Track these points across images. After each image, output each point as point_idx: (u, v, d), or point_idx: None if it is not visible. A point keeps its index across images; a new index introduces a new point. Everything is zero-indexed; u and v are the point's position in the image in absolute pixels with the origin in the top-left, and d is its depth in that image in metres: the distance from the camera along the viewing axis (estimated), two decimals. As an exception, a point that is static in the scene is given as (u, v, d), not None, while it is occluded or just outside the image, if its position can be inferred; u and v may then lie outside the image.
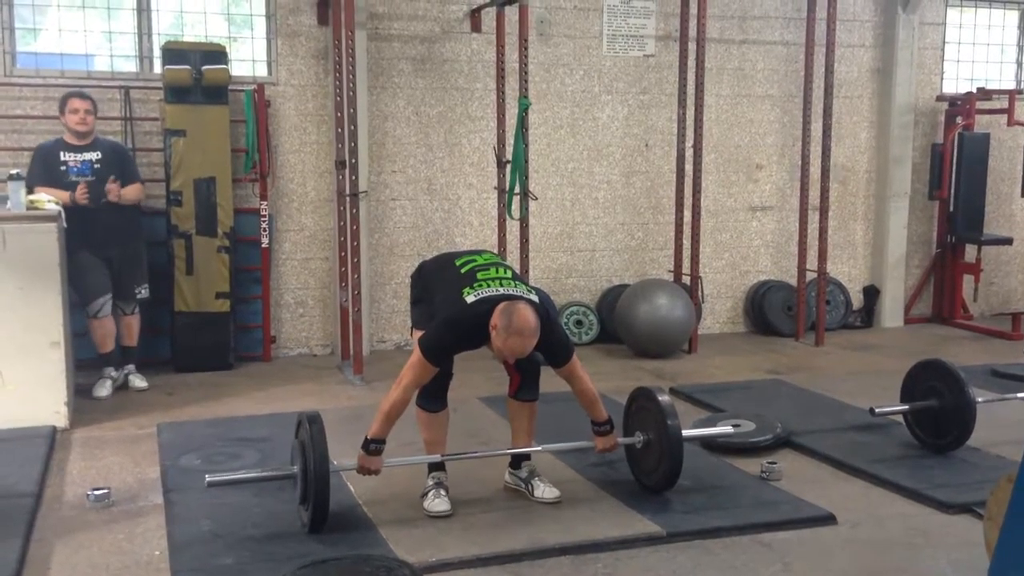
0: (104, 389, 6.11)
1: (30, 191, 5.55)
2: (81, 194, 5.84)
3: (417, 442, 4.35)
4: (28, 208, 5.35)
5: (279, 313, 7.26)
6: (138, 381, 6.25)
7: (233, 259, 6.77)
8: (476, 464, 4.60)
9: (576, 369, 4.13)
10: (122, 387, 6.22)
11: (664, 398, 4.30)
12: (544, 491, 4.24)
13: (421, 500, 4.14)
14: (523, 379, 4.25)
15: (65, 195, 5.81)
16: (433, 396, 4.17)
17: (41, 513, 4.15)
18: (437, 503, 4.09)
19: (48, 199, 5.58)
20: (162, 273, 6.61)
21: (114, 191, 5.93)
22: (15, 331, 5.19)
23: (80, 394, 5.99)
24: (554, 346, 4.05)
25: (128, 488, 4.43)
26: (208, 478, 3.98)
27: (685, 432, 4.30)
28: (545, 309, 4.03)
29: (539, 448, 4.36)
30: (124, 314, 6.21)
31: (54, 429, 5.20)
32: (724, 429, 4.83)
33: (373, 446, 4.00)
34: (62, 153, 5.99)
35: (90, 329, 6.11)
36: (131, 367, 6.30)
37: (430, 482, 4.18)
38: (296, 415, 4.15)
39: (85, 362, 6.24)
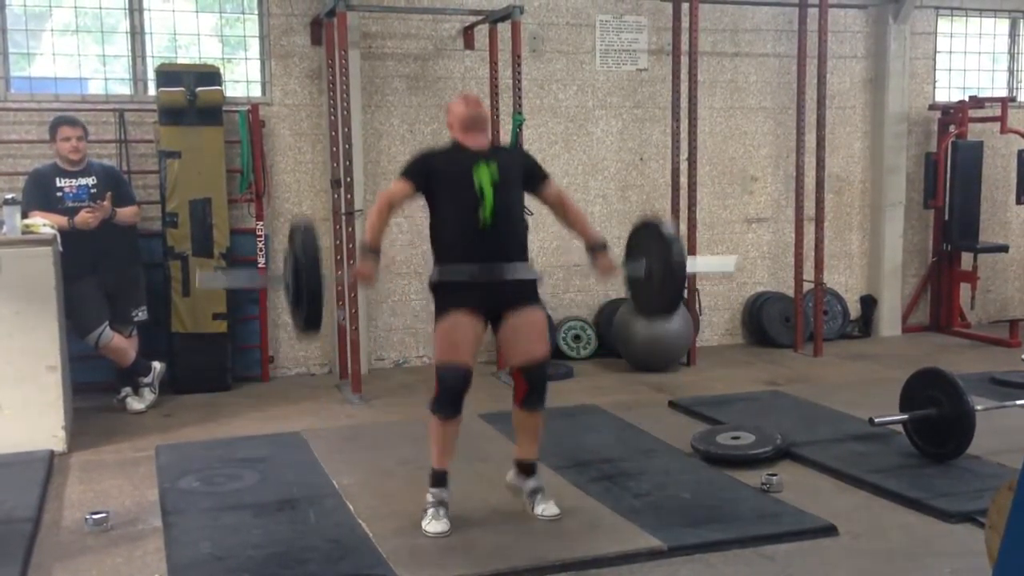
0: (139, 402, 6.20)
1: (25, 216, 5.55)
2: (90, 215, 5.84)
3: (417, 460, 4.31)
4: (23, 232, 5.35)
5: (277, 333, 7.25)
6: (135, 403, 6.23)
7: (230, 279, 6.77)
8: (477, 482, 4.60)
9: (561, 190, 4.35)
10: (119, 409, 6.22)
11: (667, 228, 4.28)
12: (544, 508, 4.21)
13: (422, 519, 4.11)
14: (531, 387, 4.13)
15: (62, 220, 5.81)
16: (449, 402, 4.03)
17: (39, 538, 4.12)
18: (435, 524, 4.05)
19: (44, 223, 5.58)
20: (159, 295, 6.60)
21: (106, 208, 5.92)
22: (12, 356, 5.18)
23: (111, 411, 6.13)
24: (533, 163, 4.32)
25: (127, 511, 4.41)
26: (199, 280, 3.95)
27: (689, 267, 4.31)
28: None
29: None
30: (122, 336, 6.20)
31: (52, 453, 5.18)
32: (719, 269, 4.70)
33: (369, 253, 3.98)
34: (57, 179, 5.99)
35: (103, 355, 6.15)
36: (128, 389, 6.29)
37: (429, 498, 4.13)
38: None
39: (83, 385, 6.23)
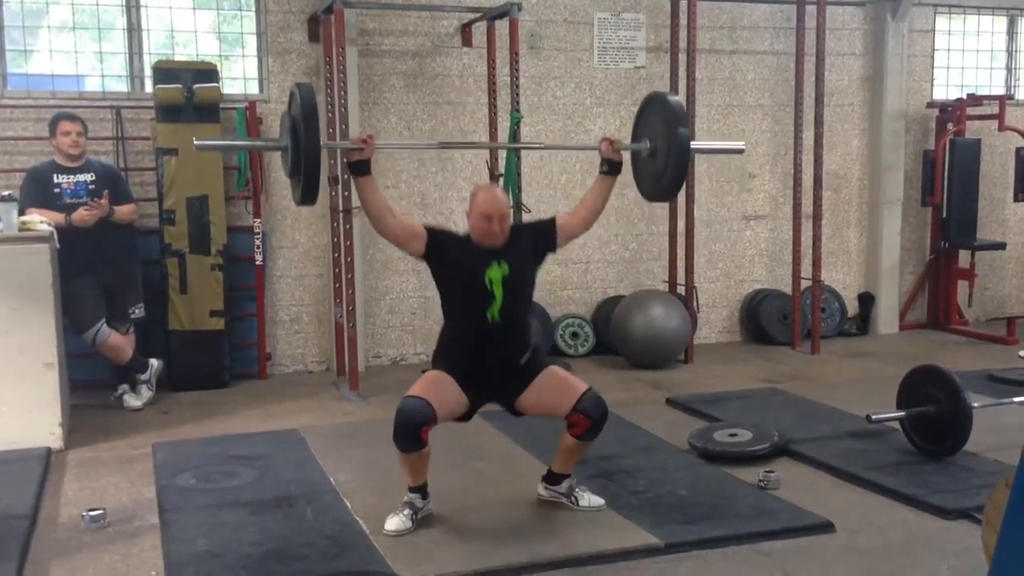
0: (136, 399, 6.19)
1: (22, 213, 5.55)
2: (88, 213, 5.84)
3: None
4: (20, 229, 5.34)
5: (274, 330, 7.25)
6: (132, 400, 6.23)
7: (227, 277, 6.76)
8: (475, 479, 4.61)
9: (574, 209, 4.41)
10: (117, 407, 6.21)
11: (674, 100, 4.32)
12: (591, 499, 4.27)
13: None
14: (594, 422, 4.11)
15: (59, 217, 5.81)
16: (404, 436, 3.93)
17: (36, 535, 4.12)
18: (391, 521, 4.03)
19: (40, 220, 5.58)
20: (156, 292, 6.59)
21: (104, 206, 5.92)
22: (9, 353, 5.17)
23: (109, 409, 6.10)
24: (539, 228, 4.31)
25: (124, 508, 4.41)
26: (196, 141, 4.12)
27: (693, 144, 4.37)
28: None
29: (540, 145, 4.46)
30: (119, 334, 6.19)
31: (49, 450, 5.17)
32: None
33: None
34: (55, 176, 5.98)
35: (100, 353, 6.14)
36: (125, 386, 6.28)
37: (404, 498, 4.13)
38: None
39: (80, 383, 6.22)
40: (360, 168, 4.00)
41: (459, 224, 7.52)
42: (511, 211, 4.13)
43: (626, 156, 4.49)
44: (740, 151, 4.86)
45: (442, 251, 4.10)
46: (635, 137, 4.50)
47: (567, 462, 4.30)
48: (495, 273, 4.03)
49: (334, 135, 6.49)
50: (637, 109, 4.56)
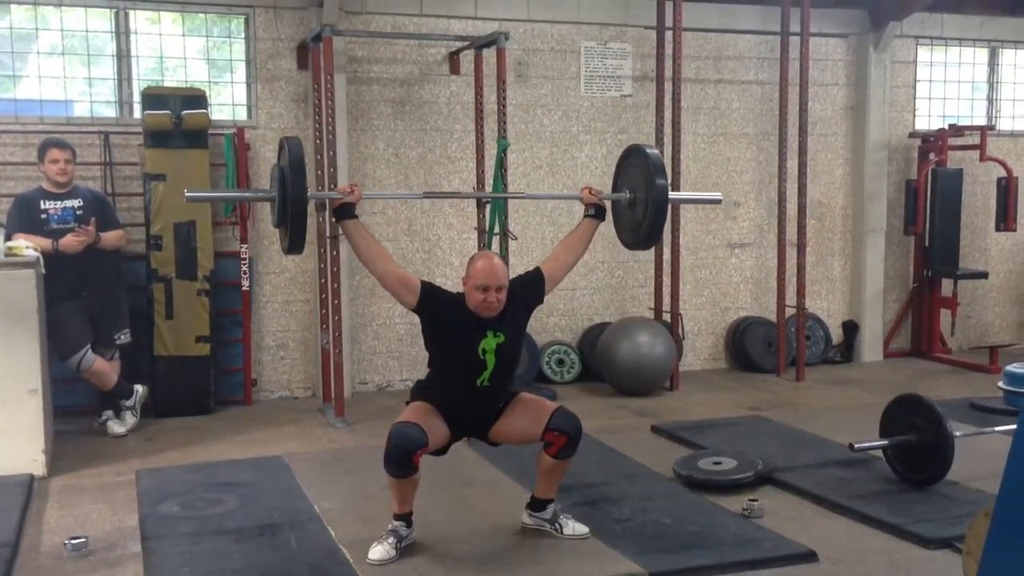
0: (120, 425, 6.18)
1: (9, 238, 5.54)
2: (75, 239, 5.84)
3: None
4: (6, 255, 5.34)
5: (260, 356, 7.24)
6: (116, 427, 6.20)
7: (213, 302, 6.76)
8: (460, 506, 4.60)
9: (554, 253, 4.46)
10: (100, 433, 6.18)
11: (653, 153, 4.41)
12: (575, 528, 4.27)
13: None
14: (569, 438, 4.12)
15: (46, 242, 5.80)
16: (398, 462, 3.93)
17: (18, 563, 4.10)
18: (375, 550, 4.01)
19: (27, 245, 5.57)
20: (142, 317, 6.58)
21: (91, 232, 5.92)
22: (-7, 378, 5.16)
23: (92, 435, 6.09)
24: (527, 281, 4.29)
25: (106, 536, 4.38)
26: (187, 193, 4.24)
27: (672, 194, 4.54)
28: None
29: (524, 195, 4.55)
30: (104, 360, 6.17)
31: (31, 477, 5.14)
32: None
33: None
34: (42, 202, 5.99)
35: (85, 379, 6.12)
36: (109, 413, 6.26)
37: (388, 526, 4.12)
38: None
39: (64, 409, 6.19)
40: (344, 211, 4.05)
41: (445, 250, 7.59)
42: (508, 281, 4.11)
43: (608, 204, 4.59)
44: (718, 202, 5.07)
45: (435, 310, 4.09)
46: (615, 188, 4.62)
47: (549, 485, 4.30)
48: (490, 343, 4.04)
49: (322, 161, 6.52)
50: (617, 160, 4.68)
